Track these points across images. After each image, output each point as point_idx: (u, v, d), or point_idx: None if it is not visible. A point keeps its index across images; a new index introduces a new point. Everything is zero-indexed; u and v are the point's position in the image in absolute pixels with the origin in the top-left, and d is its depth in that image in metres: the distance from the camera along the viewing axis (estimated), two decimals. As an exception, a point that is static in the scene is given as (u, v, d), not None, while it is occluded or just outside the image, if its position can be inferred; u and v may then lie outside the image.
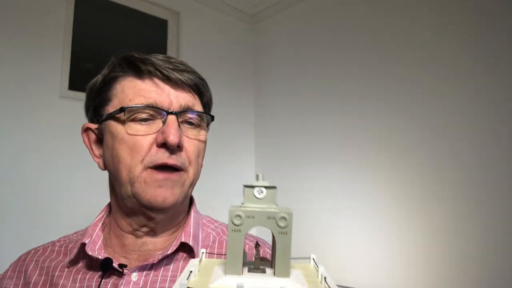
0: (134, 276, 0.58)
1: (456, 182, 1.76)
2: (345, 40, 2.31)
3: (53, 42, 1.92)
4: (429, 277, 1.79)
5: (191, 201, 0.72)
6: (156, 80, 0.61)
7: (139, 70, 0.61)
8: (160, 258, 0.59)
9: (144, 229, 0.62)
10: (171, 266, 0.60)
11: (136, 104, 0.58)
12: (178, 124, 0.59)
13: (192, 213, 0.68)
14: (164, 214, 0.61)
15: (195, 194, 0.69)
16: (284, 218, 0.32)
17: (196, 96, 0.64)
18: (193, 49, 2.47)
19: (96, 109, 0.64)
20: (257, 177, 0.35)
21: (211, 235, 0.68)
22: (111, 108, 0.61)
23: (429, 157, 1.86)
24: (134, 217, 0.62)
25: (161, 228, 0.63)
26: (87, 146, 0.67)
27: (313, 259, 0.38)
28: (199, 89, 0.65)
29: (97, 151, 0.65)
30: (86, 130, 0.66)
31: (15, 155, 1.74)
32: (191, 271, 0.33)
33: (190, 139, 0.62)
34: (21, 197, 1.72)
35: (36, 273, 0.64)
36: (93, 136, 0.65)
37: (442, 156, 1.82)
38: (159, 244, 0.63)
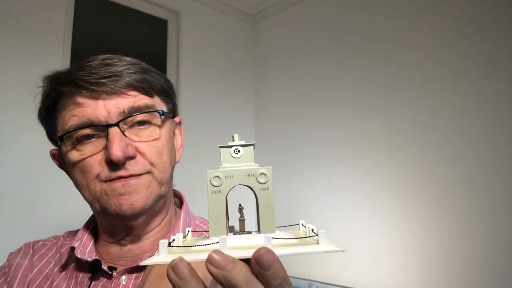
0: (124, 279, 0.57)
1: (457, 182, 1.75)
2: (345, 40, 2.31)
3: (53, 42, 1.92)
4: (430, 277, 1.79)
5: (182, 201, 0.70)
6: (83, 98, 0.56)
7: (62, 93, 0.57)
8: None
9: (127, 238, 0.62)
10: None
11: (71, 127, 0.55)
12: (123, 133, 0.55)
13: (182, 214, 0.66)
14: (138, 218, 0.59)
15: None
16: (264, 174, 0.32)
17: (137, 93, 0.59)
18: (193, 49, 2.47)
19: (51, 135, 0.63)
20: (233, 138, 0.35)
21: (203, 235, 0.66)
22: (58, 134, 0.59)
23: (430, 157, 1.86)
24: (115, 230, 0.61)
25: (143, 231, 0.62)
26: (61, 169, 0.65)
27: (302, 224, 0.37)
28: (139, 85, 0.59)
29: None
30: (53, 155, 0.65)
31: (14, 155, 1.73)
32: (173, 239, 0.33)
33: (145, 142, 0.58)
34: (21, 197, 1.72)
35: (41, 263, 0.64)
36: (60, 159, 0.64)
37: (443, 156, 1.81)
38: (146, 247, 0.62)
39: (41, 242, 0.69)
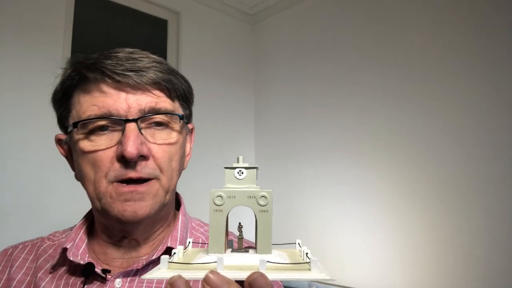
0: (118, 282, 0.56)
1: (459, 181, 1.75)
2: (345, 40, 2.31)
3: (53, 42, 1.92)
4: (430, 277, 1.79)
5: (179, 203, 0.69)
6: (107, 87, 0.54)
7: (87, 78, 0.55)
8: (144, 263, 0.57)
9: (124, 241, 0.60)
10: None
11: (89, 116, 0.54)
12: (140, 131, 0.54)
13: (180, 216, 0.65)
14: (139, 226, 0.58)
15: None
16: (264, 196, 0.33)
17: (160, 94, 0.57)
18: (193, 49, 2.47)
19: (61, 120, 0.60)
20: (237, 159, 0.36)
21: (200, 239, 0.66)
22: (71, 120, 0.57)
23: (431, 156, 1.86)
24: (112, 231, 0.59)
25: (141, 237, 0.60)
26: (64, 156, 0.63)
27: (299, 243, 0.39)
28: (163, 85, 0.58)
29: (72, 162, 0.62)
30: (58, 141, 0.62)
31: (14, 155, 1.74)
32: (174, 253, 0.34)
33: (159, 145, 0.56)
34: (21, 197, 1.72)
35: (22, 272, 0.61)
36: (66, 147, 0.62)
37: (444, 155, 1.82)
38: (143, 250, 0.61)
39: (21, 246, 0.66)
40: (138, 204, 0.54)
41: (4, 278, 0.62)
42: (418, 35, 1.97)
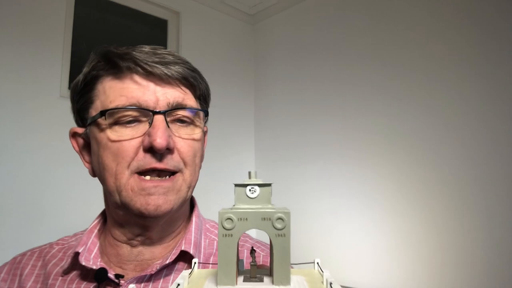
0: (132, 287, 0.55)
1: (460, 181, 1.75)
2: (344, 39, 2.31)
3: (53, 42, 1.92)
4: (430, 277, 1.79)
5: (193, 204, 0.67)
6: (138, 77, 0.54)
7: (118, 67, 0.55)
8: (158, 268, 0.55)
9: (139, 238, 0.58)
10: (171, 277, 0.56)
11: (117, 105, 0.53)
12: (167, 124, 0.53)
13: (194, 218, 0.63)
14: (159, 221, 0.57)
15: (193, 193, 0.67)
16: (281, 218, 0.28)
17: (187, 90, 0.58)
18: (193, 49, 2.47)
19: (80, 112, 0.59)
20: (249, 175, 0.31)
21: (215, 242, 0.64)
22: (93, 111, 0.56)
23: (430, 156, 1.86)
24: (128, 227, 0.58)
25: (157, 235, 0.59)
26: (76, 152, 0.61)
27: (318, 263, 0.34)
28: (190, 82, 0.58)
29: (87, 157, 0.60)
30: (73, 135, 0.61)
31: (15, 155, 1.73)
32: (178, 284, 0.29)
33: (184, 139, 0.56)
34: (21, 197, 1.72)
35: (32, 280, 0.61)
36: (81, 141, 0.60)
37: (444, 154, 1.82)
38: (157, 253, 0.59)
39: (29, 253, 0.66)
40: (162, 198, 0.53)
41: (15, 287, 0.61)
42: (418, 35, 1.97)
